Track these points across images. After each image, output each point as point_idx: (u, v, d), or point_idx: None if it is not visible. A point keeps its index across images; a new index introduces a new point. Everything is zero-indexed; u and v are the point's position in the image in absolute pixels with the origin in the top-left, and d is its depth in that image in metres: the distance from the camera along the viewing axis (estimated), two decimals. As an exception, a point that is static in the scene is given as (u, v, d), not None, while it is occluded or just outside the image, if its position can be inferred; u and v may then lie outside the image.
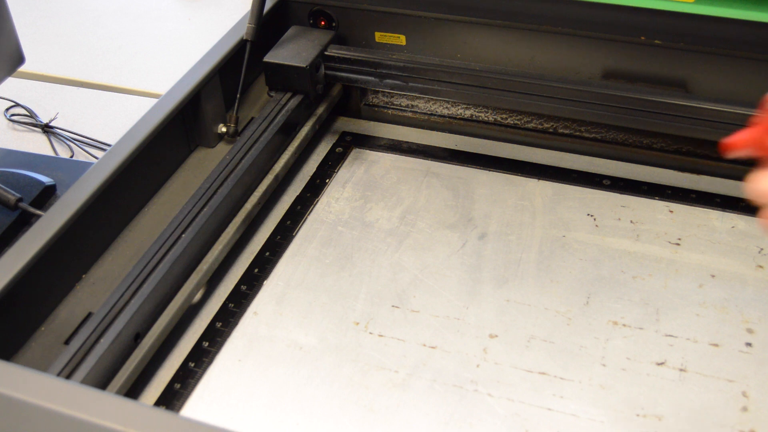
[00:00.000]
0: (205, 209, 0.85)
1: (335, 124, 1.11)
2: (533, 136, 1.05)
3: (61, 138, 1.76)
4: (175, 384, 0.76)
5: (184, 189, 0.94)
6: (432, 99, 1.08)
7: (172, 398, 0.75)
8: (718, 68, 0.95)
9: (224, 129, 1.01)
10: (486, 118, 1.07)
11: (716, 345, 0.78)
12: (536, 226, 0.92)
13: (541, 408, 0.73)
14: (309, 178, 1.01)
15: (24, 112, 1.84)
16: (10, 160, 1.26)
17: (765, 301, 0.82)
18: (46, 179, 1.11)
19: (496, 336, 0.80)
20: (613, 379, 0.75)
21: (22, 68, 0.96)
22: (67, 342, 0.76)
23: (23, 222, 1.00)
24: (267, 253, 0.90)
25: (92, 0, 2.39)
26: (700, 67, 0.95)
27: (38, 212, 0.95)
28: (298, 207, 0.97)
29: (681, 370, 0.76)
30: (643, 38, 0.96)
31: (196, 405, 0.74)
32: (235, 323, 0.82)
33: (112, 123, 1.81)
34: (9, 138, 1.78)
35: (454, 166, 1.02)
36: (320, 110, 1.05)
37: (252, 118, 1.02)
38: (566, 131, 1.04)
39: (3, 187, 0.97)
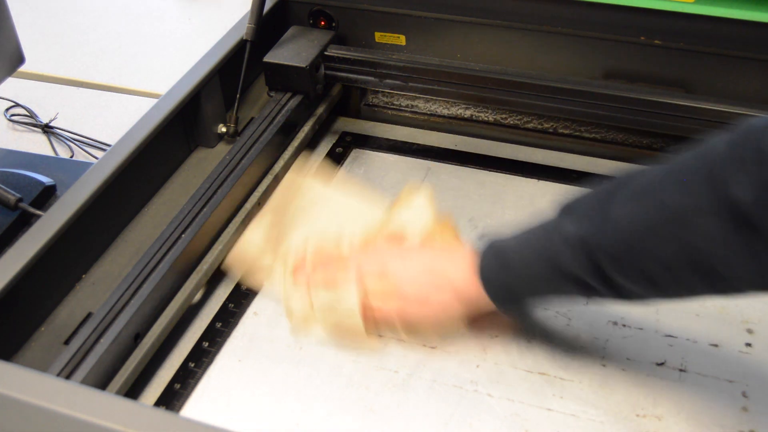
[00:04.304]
0: (205, 209, 0.85)
1: (335, 124, 1.11)
2: (533, 136, 1.05)
3: (61, 138, 1.76)
4: (175, 384, 0.76)
5: (184, 189, 0.94)
6: (432, 99, 1.08)
7: (172, 398, 0.75)
8: (718, 68, 0.95)
9: (224, 129, 1.00)
10: (486, 118, 1.07)
11: (716, 345, 0.78)
12: (536, 226, 0.92)
13: (541, 408, 0.73)
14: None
15: (24, 112, 1.84)
16: (10, 160, 1.26)
17: (765, 301, 0.82)
18: (46, 179, 1.11)
19: (496, 336, 0.80)
20: (613, 379, 0.75)
21: (22, 68, 0.96)
22: (67, 342, 0.76)
23: (23, 222, 1.00)
24: (267, 253, 0.90)
25: (92, 0, 2.39)
26: (700, 67, 0.95)
27: (38, 212, 0.95)
28: (298, 207, 0.97)
29: (681, 370, 0.76)
30: (643, 38, 0.96)
31: (196, 405, 0.74)
32: (235, 323, 0.82)
33: (112, 123, 1.82)
34: (9, 138, 1.78)
35: (454, 166, 1.02)
36: (320, 110, 1.05)
37: (252, 118, 1.02)
38: (566, 131, 1.04)
39: (3, 187, 0.97)
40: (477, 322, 0.79)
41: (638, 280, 0.62)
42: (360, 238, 0.85)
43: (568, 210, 0.67)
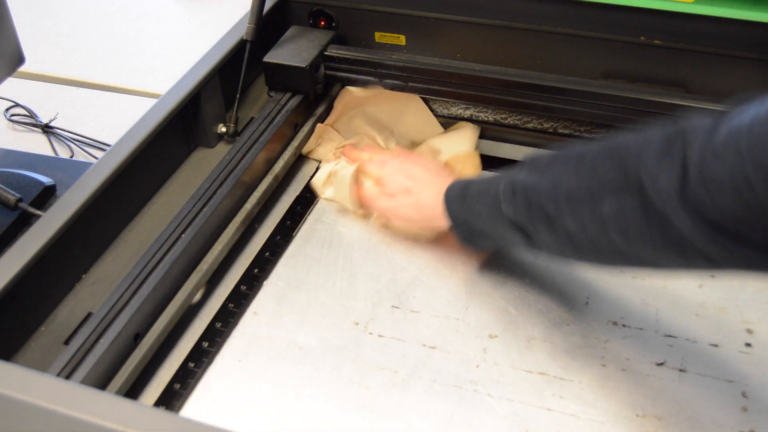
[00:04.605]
0: (205, 209, 0.85)
1: (335, 124, 1.11)
2: (533, 136, 1.05)
3: (61, 138, 1.76)
4: (175, 384, 0.76)
5: (184, 189, 0.94)
6: (432, 99, 1.08)
7: (172, 398, 0.75)
8: (718, 68, 0.95)
9: (224, 129, 1.00)
10: (486, 118, 1.07)
11: (716, 345, 0.78)
12: (536, 226, 0.92)
13: (541, 408, 0.73)
14: (309, 178, 1.01)
15: (24, 112, 1.84)
16: (10, 160, 1.26)
17: (765, 301, 0.82)
18: (46, 179, 1.11)
19: (496, 336, 0.80)
20: (613, 379, 0.75)
21: (22, 68, 0.96)
22: (67, 342, 0.76)
23: (23, 222, 1.00)
24: (267, 253, 0.90)
25: (92, 0, 2.39)
26: (700, 67, 0.95)
27: (38, 212, 0.95)
28: (298, 207, 0.97)
29: (681, 370, 0.76)
30: (643, 38, 0.96)
31: (196, 405, 0.74)
32: (235, 323, 0.82)
33: (112, 123, 1.81)
34: (9, 138, 1.78)
35: (454, 166, 1.02)
36: (320, 110, 1.05)
37: (252, 118, 1.02)
38: (566, 131, 1.04)
39: (3, 187, 0.97)
40: (443, 240, 0.89)
41: (559, 234, 0.68)
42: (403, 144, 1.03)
43: (528, 163, 0.73)
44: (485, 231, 0.78)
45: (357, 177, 0.93)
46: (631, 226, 0.61)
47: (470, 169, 0.98)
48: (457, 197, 0.80)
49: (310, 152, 1.02)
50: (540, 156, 0.72)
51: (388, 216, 0.90)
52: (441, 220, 0.82)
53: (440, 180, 0.84)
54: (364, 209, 0.93)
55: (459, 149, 1.00)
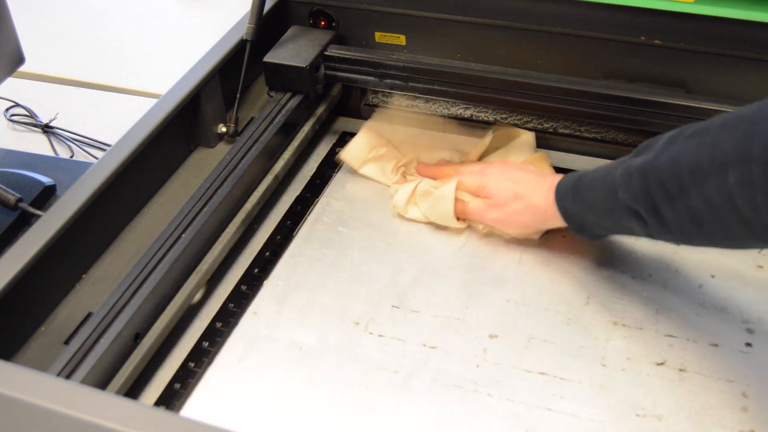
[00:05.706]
0: (205, 209, 0.85)
1: (335, 124, 1.11)
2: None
3: (61, 138, 1.76)
4: (175, 384, 0.76)
5: (184, 189, 0.94)
6: (432, 99, 1.08)
7: (172, 398, 0.75)
8: (718, 68, 0.95)
9: (224, 129, 1.01)
10: (486, 118, 1.07)
11: (716, 345, 0.78)
12: (536, 226, 0.92)
13: (541, 408, 0.73)
14: (309, 178, 1.01)
15: (24, 112, 1.84)
16: (10, 160, 1.26)
17: (765, 301, 0.82)
18: (46, 179, 1.11)
19: (496, 336, 0.80)
20: (613, 379, 0.75)
21: (22, 68, 0.96)
22: (67, 342, 0.76)
23: (23, 222, 1.00)
24: (267, 253, 0.90)
25: (92, 0, 2.39)
26: (700, 67, 0.95)
27: (38, 212, 0.95)
28: (298, 207, 0.97)
29: (681, 370, 0.76)
30: (643, 38, 0.96)
31: (196, 405, 0.74)
32: (235, 323, 0.82)
33: (112, 123, 1.81)
34: (9, 138, 1.78)
35: (454, 166, 1.02)
36: (320, 110, 1.05)
37: (252, 118, 1.02)
38: (566, 131, 1.04)
39: (3, 187, 0.97)
40: (551, 237, 0.88)
41: (680, 212, 0.66)
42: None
43: (643, 147, 0.71)
44: (600, 222, 0.77)
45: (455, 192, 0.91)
46: (758, 193, 0.59)
47: (545, 169, 0.97)
48: (570, 191, 0.79)
49: (358, 166, 1.00)
50: (654, 138, 0.71)
51: (500, 225, 0.88)
52: (555, 219, 0.81)
53: (547, 179, 0.83)
54: (465, 223, 0.91)
55: (523, 156, 0.99)
